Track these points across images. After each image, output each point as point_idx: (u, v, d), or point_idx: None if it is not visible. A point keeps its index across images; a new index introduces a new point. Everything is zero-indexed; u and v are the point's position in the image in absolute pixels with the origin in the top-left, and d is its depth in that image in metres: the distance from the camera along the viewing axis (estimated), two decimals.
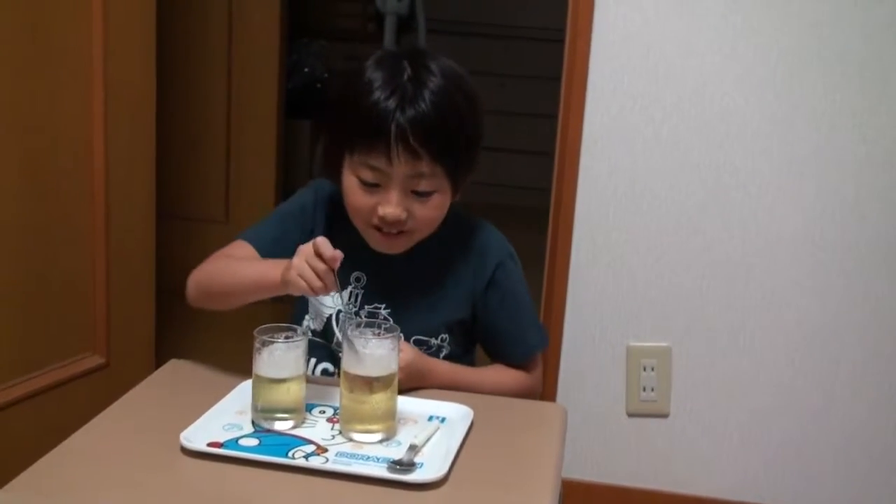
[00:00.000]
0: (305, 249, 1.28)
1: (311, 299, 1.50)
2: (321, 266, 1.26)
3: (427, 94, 1.34)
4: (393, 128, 1.32)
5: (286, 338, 1.26)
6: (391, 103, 1.33)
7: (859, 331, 2.21)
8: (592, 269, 2.25)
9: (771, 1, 2.09)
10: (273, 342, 1.25)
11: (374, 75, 1.36)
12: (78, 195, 2.20)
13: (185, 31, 3.30)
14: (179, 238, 3.17)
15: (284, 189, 3.60)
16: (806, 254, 2.19)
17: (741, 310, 2.23)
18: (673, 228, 2.21)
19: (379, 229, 1.40)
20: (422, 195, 1.37)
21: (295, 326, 1.29)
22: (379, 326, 1.26)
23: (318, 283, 1.27)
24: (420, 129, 1.32)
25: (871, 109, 2.12)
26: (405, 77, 1.35)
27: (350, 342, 1.23)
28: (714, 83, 2.14)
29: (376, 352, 1.23)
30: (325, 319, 1.49)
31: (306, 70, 4.43)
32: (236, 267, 1.42)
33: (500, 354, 1.54)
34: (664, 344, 2.27)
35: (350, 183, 1.39)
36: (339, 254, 1.26)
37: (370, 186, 1.37)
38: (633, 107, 2.17)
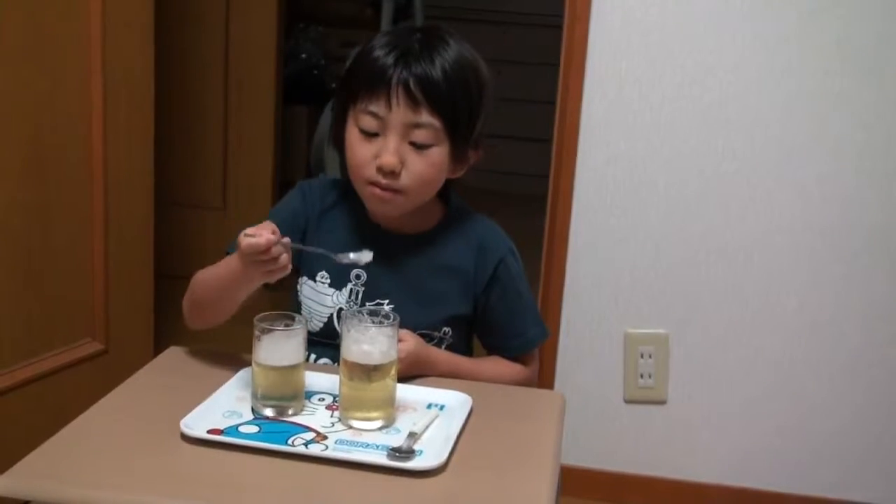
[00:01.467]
0: (245, 252, 1.26)
1: (306, 299, 1.50)
2: (266, 258, 1.26)
3: (433, 54, 1.38)
4: (395, 75, 1.36)
5: (286, 325, 1.26)
6: (396, 54, 1.37)
7: (857, 317, 2.22)
8: (590, 256, 2.25)
9: None
10: (273, 330, 1.25)
11: (383, 37, 1.42)
12: (77, 182, 2.20)
13: (182, 17, 3.29)
14: (177, 224, 3.16)
15: (282, 176, 3.60)
16: (804, 240, 2.20)
17: (739, 297, 2.23)
18: (671, 215, 2.21)
19: (377, 186, 1.41)
20: (420, 147, 1.39)
21: (294, 314, 1.29)
22: (378, 314, 1.27)
23: (279, 267, 1.27)
24: (421, 79, 1.36)
25: (869, 95, 2.12)
26: (413, 39, 1.40)
27: (349, 330, 1.24)
28: (713, 69, 2.14)
29: (376, 339, 1.23)
30: (325, 318, 1.49)
31: (303, 56, 4.42)
32: (213, 272, 1.42)
33: (498, 347, 1.55)
34: (662, 331, 2.27)
35: (352, 136, 1.41)
36: (267, 240, 1.24)
37: (370, 136, 1.39)
38: (632, 93, 2.17)
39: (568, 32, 2.18)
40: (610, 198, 2.22)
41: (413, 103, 1.36)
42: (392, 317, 1.26)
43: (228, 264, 1.35)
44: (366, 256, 1.35)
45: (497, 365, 1.53)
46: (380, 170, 1.38)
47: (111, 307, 2.32)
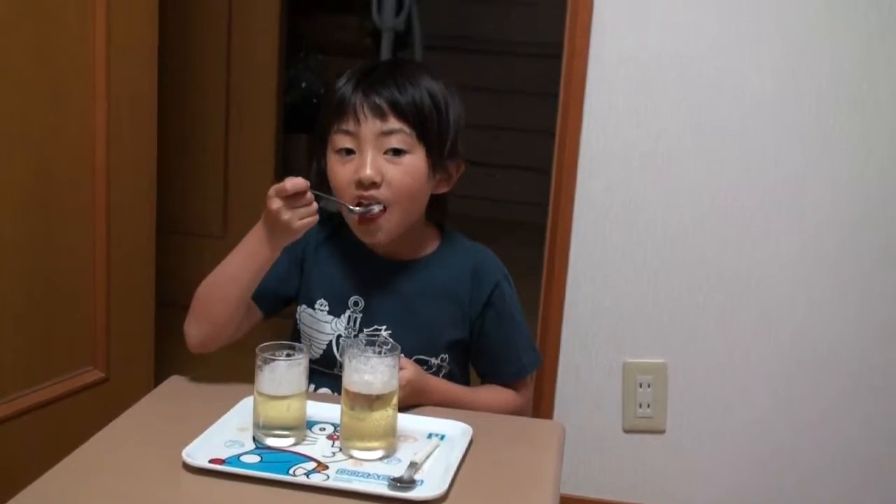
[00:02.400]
0: (276, 197, 1.34)
1: (305, 327, 1.51)
2: (301, 203, 1.33)
3: (395, 74, 1.44)
4: (359, 92, 1.42)
5: (287, 355, 1.27)
6: (358, 77, 1.44)
7: (854, 345, 2.23)
8: (589, 285, 2.26)
9: (766, 19, 2.11)
10: (274, 360, 1.25)
11: (350, 70, 1.48)
12: (79, 209, 2.21)
13: (183, 45, 3.31)
14: (178, 253, 3.17)
15: None
16: (801, 270, 2.21)
17: (737, 326, 2.24)
18: (669, 245, 2.22)
19: (360, 205, 1.42)
20: (395, 154, 1.41)
21: (296, 344, 1.30)
22: (379, 344, 1.28)
23: (312, 211, 1.34)
24: (385, 93, 1.41)
25: (865, 127, 2.13)
26: (378, 66, 1.47)
27: (351, 359, 1.24)
28: (710, 101, 2.16)
29: (377, 369, 1.24)
30: (324, 346, 1.50)
31: (303, 85, 4.45)
32: (224, 268, 1.44)
33: (492, 374, 1.56)
34: (660, 360, 2.27)
35: (331, 162, 1.45)
36: (304, 181, 1.33)
37: (346, 154, 1.42)
38: (630, 124, 2.19)
39: (567, 64, 2.20)
40: (608, 227, 2.23)
41: (380, 113, 1.40)
42: (393, 346, 1.27)
43: (244, 247, 1.41)
44: (375, 208, 1.40)
45: (491, 393, 1.54)
46: (360, 184, 1.40)
47: (112, 335, 2.32)
